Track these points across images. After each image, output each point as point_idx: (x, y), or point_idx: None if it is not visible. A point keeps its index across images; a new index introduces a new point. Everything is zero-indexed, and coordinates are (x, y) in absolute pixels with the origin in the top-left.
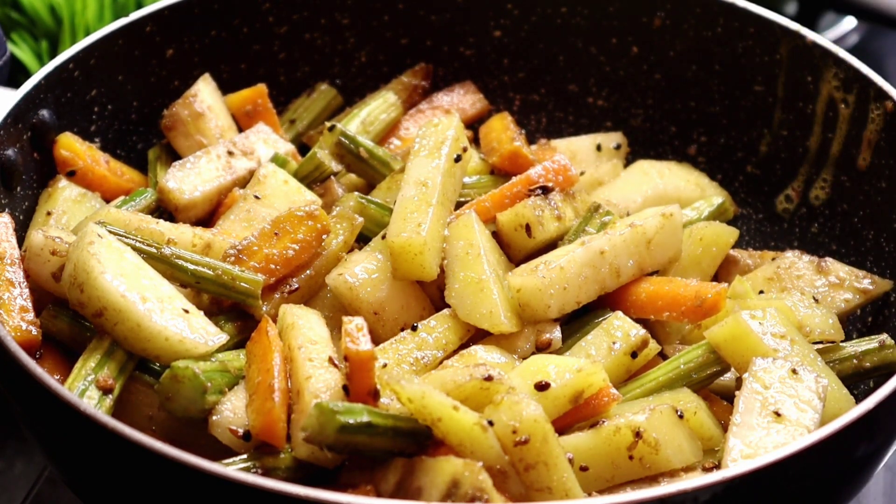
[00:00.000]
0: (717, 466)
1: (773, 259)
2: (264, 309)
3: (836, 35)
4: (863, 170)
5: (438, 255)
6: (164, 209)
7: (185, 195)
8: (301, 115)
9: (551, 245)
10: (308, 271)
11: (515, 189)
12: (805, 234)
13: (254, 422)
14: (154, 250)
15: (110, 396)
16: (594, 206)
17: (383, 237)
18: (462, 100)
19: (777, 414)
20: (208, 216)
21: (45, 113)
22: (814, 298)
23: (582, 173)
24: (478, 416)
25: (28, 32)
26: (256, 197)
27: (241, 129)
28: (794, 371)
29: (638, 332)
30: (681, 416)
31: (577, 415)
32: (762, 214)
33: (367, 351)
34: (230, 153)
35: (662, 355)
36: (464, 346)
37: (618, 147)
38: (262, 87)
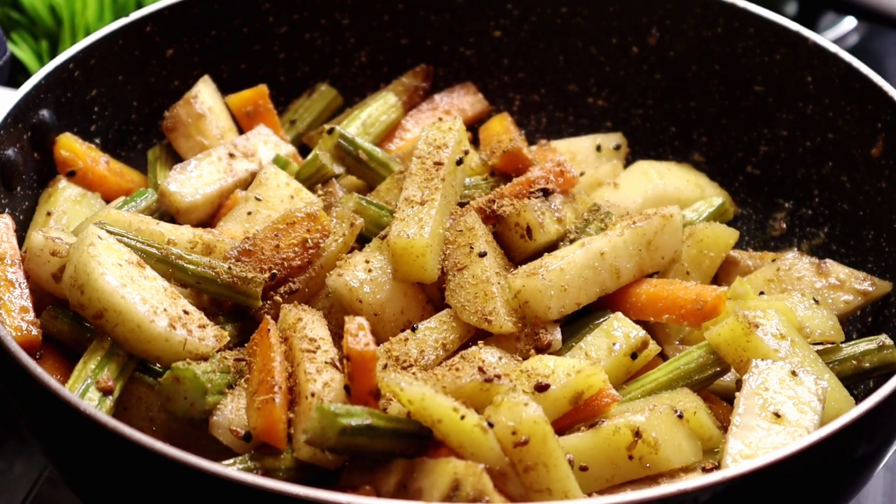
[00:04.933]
0: (717, 467)
1: (774, 260)
2: (265, 309)
3: (836, 35)
4: (863, 170)
5: (439, 257)
6: (164, 210)
7: (187, 198)
8: (302, 116)
9: (552, 246)
10: (308, 272)
11: (516, 191)
12: (805, 235)
13: (254, 422)
14: (155, 251)
15: (110, 398)
16: (594, 208)
17: (383, 238)
18: (462, 100)
19: (777, 415)
20: (209, 218)
21: (45, 113)
22: (814, 300)
23: (582, 174)
24: (478, 417)
25: (28, 32)
26: (258, 199)
27: (241, 130)
28: (793, 373)
29: (638, 333)
30: (680, 416)
31: (576, 416)
32: (762, 215)
33: (369, 350)
34: (231, 155)
35: (662, 356)
36: (464, 346)
37: (618, 147)
38: (262, 88)
